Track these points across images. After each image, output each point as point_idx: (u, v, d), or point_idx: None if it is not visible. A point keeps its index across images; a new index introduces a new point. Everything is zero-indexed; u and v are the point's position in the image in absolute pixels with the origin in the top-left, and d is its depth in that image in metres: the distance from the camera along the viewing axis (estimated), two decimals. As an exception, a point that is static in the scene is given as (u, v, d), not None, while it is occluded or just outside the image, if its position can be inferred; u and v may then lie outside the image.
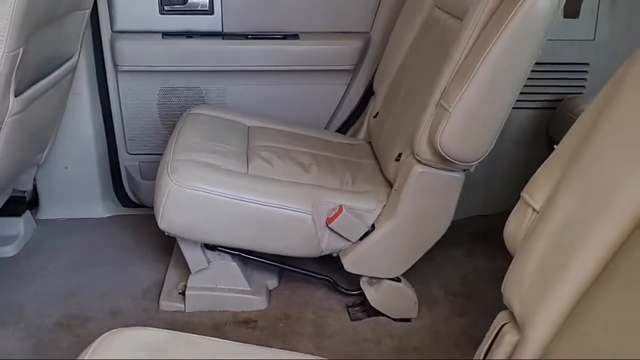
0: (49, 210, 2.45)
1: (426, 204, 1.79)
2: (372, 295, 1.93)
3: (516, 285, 0.97)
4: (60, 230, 2.38)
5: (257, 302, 1.97)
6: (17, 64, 1.54)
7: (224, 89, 2.42)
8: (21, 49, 1.54)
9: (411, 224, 1.80)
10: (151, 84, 2.38)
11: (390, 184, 1.89)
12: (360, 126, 2.39)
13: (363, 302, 1.97)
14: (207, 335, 1.13)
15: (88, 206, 2.48)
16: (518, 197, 1.05)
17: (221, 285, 1.96)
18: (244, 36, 2.40)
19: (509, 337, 0.97)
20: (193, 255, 1.91)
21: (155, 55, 2.33)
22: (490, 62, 1.54)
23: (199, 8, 2.36)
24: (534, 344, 0.90)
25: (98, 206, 2.50)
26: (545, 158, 1.03)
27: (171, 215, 1.76)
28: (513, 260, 1.01)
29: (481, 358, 1.02)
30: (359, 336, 1.89)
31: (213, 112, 2.20)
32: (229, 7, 2.36)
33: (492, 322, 1.01)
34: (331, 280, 2.03)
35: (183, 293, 1.97)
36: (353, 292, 2.01)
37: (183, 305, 1.95)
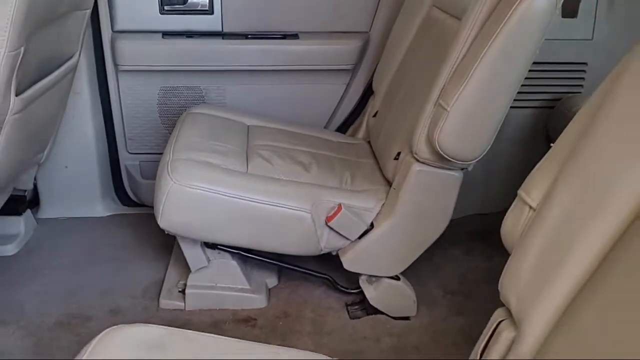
0: (49, 209, 2.46)
1: (425, 202, 1.80)
2: (371, 293, 1.94)
3: (513, 282, 0.98)
4: (60, 229, 2.39)
5: (257, 301, 1.98)
6: (18, 64, 1.55)
7: (224, 88, 2.43)
8: (22, 49, 1.54)
9: (410, 223, 1.81)
10: (151, 84, 2.39)
11: (389, 183, 1.90)
12: (360, 125, 2.40)
13: (362, 301, 1.98)
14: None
15: (88, 205, 2.49)
16: (516, 196, 1.06)
17: (221, 283, 1.97)
18: (244, 36, 2.41)
19: (506, 334, 0.97)
20: (193, 254, 1.92)
21: (156, 55, 2.34)
22: (488, 61, 1.55)
23: (199, 8, 2.37)
24: (531, 341, 0.91)
25: (98, 205, 2.51)
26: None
27: (171, 214, 1.77)
28: (510, 258, 1.02)
29: (478, 354, 1.03)
30: (358, 334, 1.90)
31: (213, 111, 2.21)
32: (229, 7, 2.37)
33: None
34: (330, 279, 2.03)
35: (183, 291, 1.98)
36: (352, 291, 2.02)
37: (183, 304, 1.96)
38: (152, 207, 1.83)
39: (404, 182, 1.78)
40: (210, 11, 2.37)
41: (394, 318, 1.96)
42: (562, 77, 2.34)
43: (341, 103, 2.53)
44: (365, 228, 1.84)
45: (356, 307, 1.99)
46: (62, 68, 1.95)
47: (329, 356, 1.13)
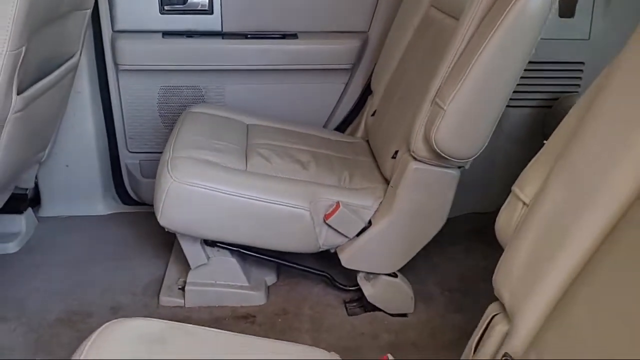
0: (50, 208, 2.48)
1: (422, 200, 1.81)
2: (369, 290, 1.95)
3: (506, 277, 1.00)
4: (61, 228, 2.40)
5: (256, 298, 2.00)
6: (19, 63, 1.56)
7: (224, 87, 2.45)
8: (23, 48, 1.56)
9: (407, 220, 1.83)
10: (151, 83, 2.41)
11: (387, 181, 1.92)
12: (358, 125, 2.41)
13: (360, 298, 2.00)
14: (206, 330, 1.15)
15: (89, 204, 2.50)
16: (512, 193, 1.08)
17: (220, 280, 1.98)
18: (244, 36, 2.42)
19: (499, 328, 0.99)
20: (193, 251, 1.94)
21: (156, 54, 2.36)
22: (484, 60, 1.56)
23: (198, 8, 2.38)
24: (523, 334, 0.93)
25: (99, 204, 2.52)
26: (540, 156, 1.06)
27: (171, 211, 1.79)
28: (503, 253, 1.04)
29: (472, 348, 1.05)
30: (356, 331, 1.92)
31: (212, 110, 2.23)
32: (229, 7, 2.39)
33: (486, 316, 1.04)
34: (329, 276, 2.05)
35: (183, 289, 1.99)
36: (350, 288, 2.04)
37: (183, 301, 1.98)
38: (152, 206, 1.85)
39: (401, 180, 1.80)
40: (210, 11, 2.39)
41: (392, 315, 1.98)
42: (559, 76, 2.35)
43: (340, 102, 2.55)
44: (363, 226, 1.86)
45: (354, 304, 2.01)
46: (63, 67, 1.96)
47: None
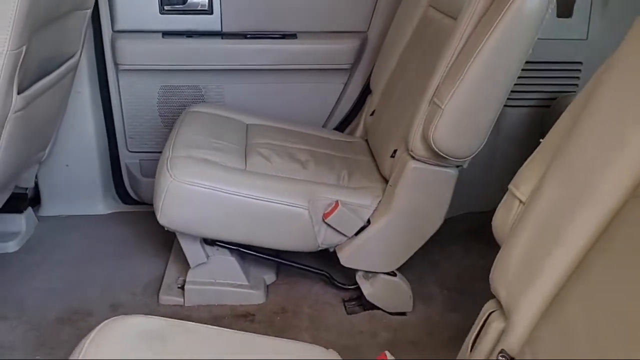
0: (50, 207, 2.48)
1: (420, 199, 1.82)
2: (368, 289, 1.96)
3: (502, 274, 1.01)
4: (61, 227, 2.41)
5: (255, 296, 2.01)
6: (20, 62, 1.57)
7: (223, 87, 2.46)
8: (24, 48, 1.57)
9: (406, 219, 1.84)
10: (151, 83, 2.41)
11: (386, 180, 1.93)
12: (358, 124, 2.42)
13: (359, 297, 2.00)
14: (205, 329, 1.16)
15: (89, 203, 2.51)
16: (510, 192, 1.09)
17: (220, 279, 1.99)
18: (243, 36, 2.43)
19: (496, 325, 1.00)
20: (192, 250, 1.95)
21: (156, 54, 2.37)
22: (481, 60, 1.57)
23: (198, 8, 2.39)
24: (519, 331, 0.94)
25: (99, 203, 2.53)
26: (538, 155, 1.07)
27: (170, 210, 1.80)
28: (500, 250, 1.05)
29: (470, 345, 1.06)
30: (355, 329, 1.92)
31: (212, 110, 2.24)
32: (228, 7, 2.39)
33: (484, 314, 1.05)
34: (328, 275, 2.06)
35: (182, 287, 2.00)
36: (349, 287, 2.04)
37: (182, 300, 1.99)
38: (152, 205, 1.85)
39: (399, 179, 1.80)
40: (209, 11, 2.40)
41: (391, 313, 1.99)
42: (557, 76, 2.36)
43: (339, 102, 2.56)
44: (362, 224, 1.87)
45: (353, 302, 2.02)
46: (63, 67, 1.97)
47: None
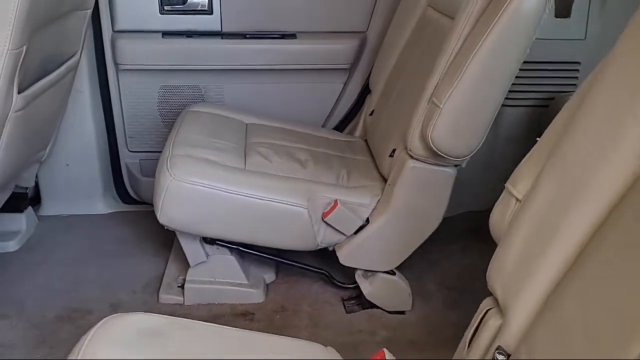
0: (50, 207, 2.49)
1: (419, 198, 1.83)
2: (367, 288, 1.97)
3: (499, 271, 1.02)
4: (61, 226, 2.42)
5: (255, 295, 2.01)
6: (20, 62, 1.58)
7: (223, 87, 2.46)
8: (24, 47, 1.58)
9: (404, 218, 1.85)
10: (151, 83, 2.42)
11: (385, 180, 1.93)
12: (357, 124, 2.43)
13: (358, 295, 2.01)
14: (205, 327, 1.16)
15: (89, 203, 2.52)
16: (509, 191, 1.09)
17: (219, 278, 2.00)
18: (243, 36, 2.44)
19: (492, 322, 1.01)
20: (192, 249, 1.95)
21: (156, 54, 2.37)
22: (479, 60, 1.58)
23: (198, 8, 2.40)
24: (515, 328, 0.94)
25: (99, 203, 2.54)
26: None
27: (170, 209, 1.81)
28: (497, 248, 1.05)
29: (467, 342, 1.06)
30: (354, 328, 1.93)
31: (212, 109, 2.24)
32: (228, 7, 2.40)
33: (482, 312, 1.05)
34: (327, 274, 2.06)
35: (182, 286, 2.01)
36: (349, 286, 2.05)
37: (182, 298, 1.99)
38: (152, 205, 1.86)
39: (398, 178, 1.81)
40: (209, 11, 2.40)
41: (390, 312, 1.99)
42: (555, 76, 2.36)
43: (339, 102, 2.56)
44: (360, 223, 1.87)
45: (352, 301, 2.03)
46: (64, 67, 1.98)
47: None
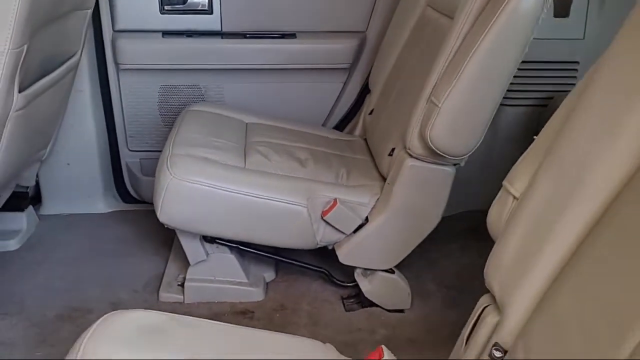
0: (51, 206, 2.50)
1: (418, 197, 1.84)
2: (366, 286, 1.97)
3: (496, 269, 1.02)
4: (62, 225, 2.43)
5: (255, 294, 2.02)
6: (21, 61, 1.59)
7: (223, 87, 2.47)
8: (25, 46, 1.58)
9: (403, 217, 1.85)
10: (152, 82, 2.43)
11: (384, 179, 1.94)
12: (357, 123, 2.44)
13: (358, 294, 2.02)
14: (205, 325, 1.17)
15: (90, 202, 2.53)
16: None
17: (219, 277, 2.01)
18: (243, 35, 2.44)
19: (490, 319, 1.02)
20: (192, 248, 1.96)
21: (156, 53, 2.38)
22: (477, 59, 1.59)
23: (198, 8, 2.41)
24: (512, 324, 0.95)
25: (99, 202, 2.55)
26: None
27: (170, 208, 1.81)
28: (494, 246, 1.06)
29: (464, 339, 1.07)
30: (353, 326, 1.94)
31: (212, 109, 2.25)
32: (228, 7, 2.41)
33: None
34: (327, 273, 2.07)
35: (182, 285, 2.02)
36: (348, 284, 2.06)
37: (182, 297, 2.00)
38: (152, 204, 1.87)
39: (397, 177, 1.82)
40: (209, 11, 2.41)
41: (389, 311, 2.00)
42: (554, 75, 2.37)
43: (338, 101, 2.57)
44: (360, 222, 1.88)
45: (352, 300, 2.03)
46: (64, 66, 1.98)
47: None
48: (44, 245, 2.29)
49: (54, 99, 2.00)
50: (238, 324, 1.87)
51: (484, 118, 1.69)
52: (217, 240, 1.96)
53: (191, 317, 1.16)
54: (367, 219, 1.88)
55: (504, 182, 1.10)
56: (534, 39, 1.63)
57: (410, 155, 1.79)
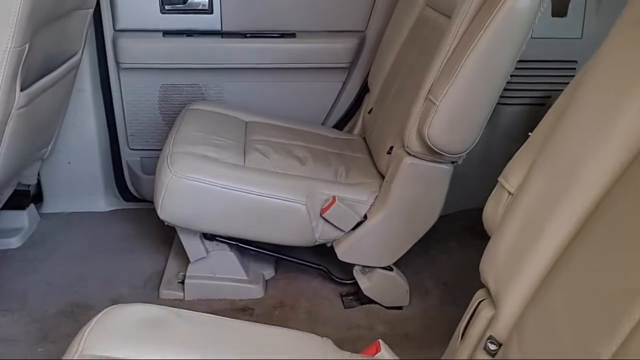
0: (52, 204, 2.51)
1: (416, 194, 1.85)
2: (365, 283, 1.99)
3: (491, 263, 1.04)
4: (63, 224, 2.44)
5: (254, 291, 2.03)
6: (23, 60, 1.60)
7: (223, 86, 2.48)
8: (27, 45, 1.60)
9: (401, 214, 1.87)
10: (152, 81, 2.44)
11: (383, 177, 1.95)
12: (356, 122, 2.45)
13: (356, 291, 2.03)
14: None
15: (91, 200, 2.54)
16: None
17: (219, 274, 2.02)
18: (243, 35, 2.46)
19: (485, 313, 1.03)
20: (192, 245, 1.98)
21: (156, 53, 2.40)
22: (474, 58, 1.60)
23: (198, 8, 2.42)
24: (506, 319, 0.97)
25: (100, 200, 2.56)
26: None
27: (170, 205, 1.83)
28: (490, 241, 1.07)
29: (460, 333, 1.09)
30: (352, 323, 1.95)
31: (212, 108, 2.26)
32: (228, 7, 2.42)
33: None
34: (326, 270, 2.09)
35: (182, 282, 2.03)
36: (347, 281, 2.07)
37: (182, 294, 2.02)
38: (152, 202, 1.88)
39: (396, 175, 1.83)
40: (209, 11, 2.42)
41: (387, 307, 2.01)
42: (552, 74, 2.37)
43: (338, 100, 2.58)
44: (358, 220, 1.89)
45: (350, 297, 2.05)
46: (65, 65, 2.00)
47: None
48: (45, 243, 2.31)
49: (55, 98, 2.01)
50: (237, 321, 1.91)
51: (481, 116, 1.70)
52: (217, 238, 1.97)
53: (191, 311, 1.17)
54: (365, 217, 1.90)
55: (500, 178, 1.11)
56: (532, 38, 1.64)
57: (409, 154, 1.80)
